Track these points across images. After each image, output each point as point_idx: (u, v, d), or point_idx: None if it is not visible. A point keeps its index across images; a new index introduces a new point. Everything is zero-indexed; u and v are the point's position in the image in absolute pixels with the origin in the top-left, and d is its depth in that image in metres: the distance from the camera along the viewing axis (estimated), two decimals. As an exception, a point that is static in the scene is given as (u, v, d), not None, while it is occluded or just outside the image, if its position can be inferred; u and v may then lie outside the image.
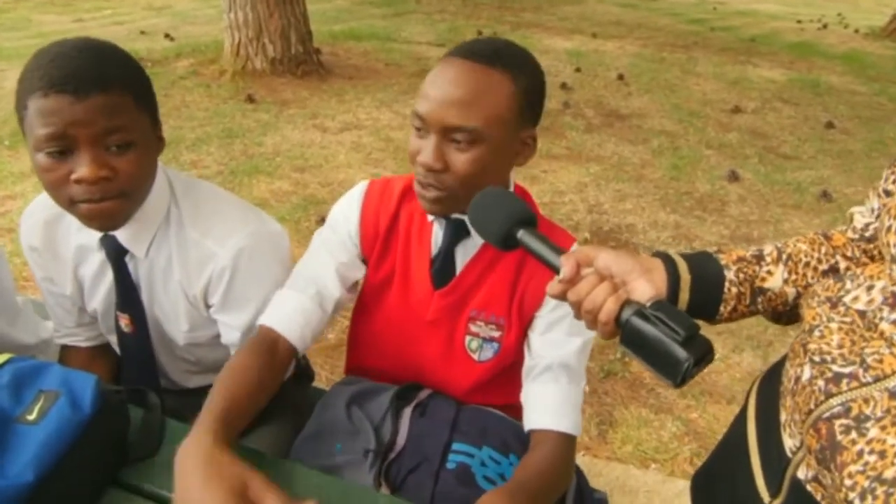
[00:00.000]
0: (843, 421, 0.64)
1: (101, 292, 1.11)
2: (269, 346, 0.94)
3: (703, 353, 0.63)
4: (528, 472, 0.90)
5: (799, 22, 11.70)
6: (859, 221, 0.82)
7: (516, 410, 1.03)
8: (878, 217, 0.79)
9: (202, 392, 0.89)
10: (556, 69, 6.68)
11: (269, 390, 0.91)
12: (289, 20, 5.54)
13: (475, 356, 1.06)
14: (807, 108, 6.03)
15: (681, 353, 0.62)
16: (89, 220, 0.94)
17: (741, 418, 0.90)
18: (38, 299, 1.41)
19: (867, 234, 0.81)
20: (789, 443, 0.74)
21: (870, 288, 0.70)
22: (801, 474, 0.72)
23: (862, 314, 0.69)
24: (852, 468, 0.61)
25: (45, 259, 1.11)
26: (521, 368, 1.04)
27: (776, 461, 0.76)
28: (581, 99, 5.76)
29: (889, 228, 0.65)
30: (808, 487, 0.71)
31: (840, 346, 0.68)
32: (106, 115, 0.87)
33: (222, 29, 5.74)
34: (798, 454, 0.72)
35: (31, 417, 0.76)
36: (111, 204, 0.91)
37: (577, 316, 0.72)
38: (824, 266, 0.80)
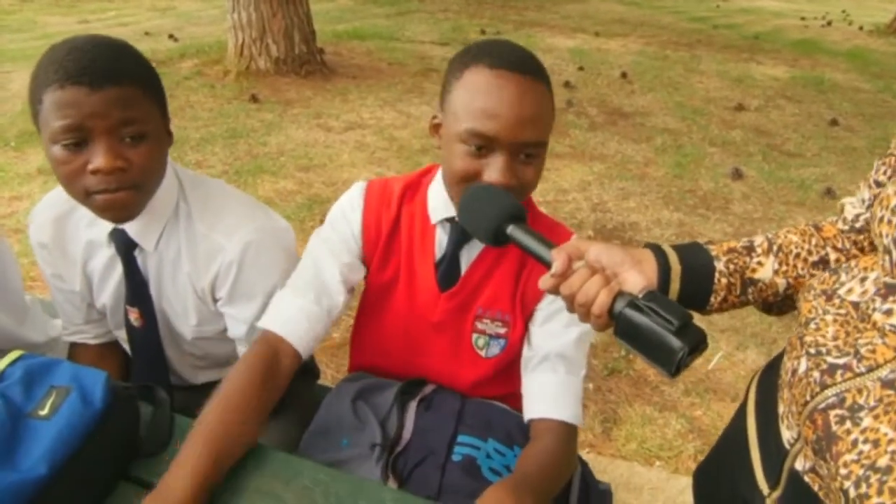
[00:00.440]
0: (838, 411, 0.65)
1: (110, 287, 1.12)
2: (271, 357, 0.93)
3: (696, 342, 0.64)
4: (530, 463, 0.91)
5: (803, 19, 11.67)
6: (850, 213, 0.83)
7: (518, 399, 1.04)
8: (868, 208, 0.79)
9: (210, 388, 0.90)
10: (560, 68, 6.68)
11: (268, 411, 0.90)
12: (292, 20, 5.56)
13: (482, 353, 1.07)
14: (810, 105, 6.02)
15: (675, 342, 0.63)
16: (104, 210, 0.95)
17: (741, 412, 0.91)
18: (45, 299, 1.42)
19: (857, 226, 0.81)
20: (787, 435, 0.75)
21: (863, 279, 0.71)
22: (798, 466, 0.73)
23: (856, 305, 0.70)
24: (847, 457, 0.62)
25: (55, 256, 1.13)
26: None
27: (775, 453, 0.77)
28: (584, 97, 5.77)
29: (881, 219, 0.66)
30: (806, 478, 0.72)
31: (835, 338, 0.69)
32: (120, 106, 0.89)
33: (226, 29, 5.76)
34: (795, 446, 0.73)
35: (44, 413, 0.77)
36: (125, 194, 0.93)
37: (570, 309, 0.73)
38: (814, 257, 0.81)
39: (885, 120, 5.69)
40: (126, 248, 1.06)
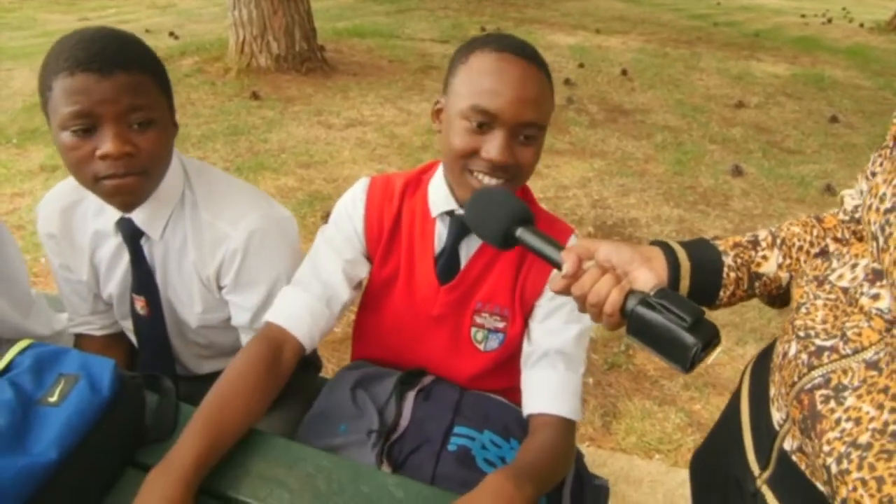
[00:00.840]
0: (824, 391, 0.66)
1: (117, 276, 1.14)
2: (274, 348, 0.95)
3: (710, 338, 0.64)
4: (530, 454, 0.92)
5: (803, 16, 11.67)
6: (849, 203, 0.84)
7: (516, 393, 1.05)
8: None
9: (214, 378, 0.92)
10: (560, 65, 6.69)
11: (269, 397, 0.92)
12: (293, 17, 5.57)
13: (480, 346, 1.08)
14: (811, 102, 6.03)
15: (689, 338, 0.63)
16: (112, 195, 0.97)
17: (736, 398, 0.93)
18: (51, 293, 1.44)
19: (856, 216, 0.83)
20: (777, 416, 0.77)
21: (854, 266, 0.73)
22: (787, 445, 0.74)
23: (845, 290, 0.72)
24: (830, 435, 0.64)
25: (62, 246, 1.14)
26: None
27: (766, 435, 0.79)
28: (584, 94, 5.78)
29: (869, 206, 0.67)
30: (794, 458, 0.73)
31: (824, 322, 0.71)
32: (129, 93, 0.91)
33: (227, 27, 5.77)
34: (784, 426, 0.75)
35: (53, 399, 0.79)
36: (133, 180, 0.95)
37: (582, 309, 0.73)
38: (815, 249, 0.83)
39: (885, 117, 5.69)
40: (133, 236, 1.07)
